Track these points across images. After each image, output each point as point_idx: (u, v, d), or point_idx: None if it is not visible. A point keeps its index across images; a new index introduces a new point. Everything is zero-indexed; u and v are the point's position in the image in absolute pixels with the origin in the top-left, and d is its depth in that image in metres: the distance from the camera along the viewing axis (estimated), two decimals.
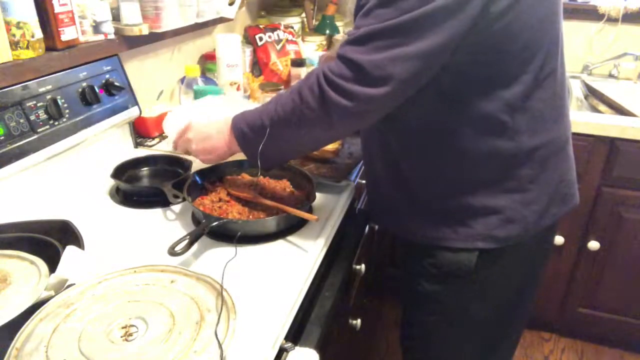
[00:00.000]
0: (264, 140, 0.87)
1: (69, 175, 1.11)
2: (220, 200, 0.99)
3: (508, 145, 0.87)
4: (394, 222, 1.06)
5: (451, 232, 0.94)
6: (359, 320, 1.19)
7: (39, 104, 0.99)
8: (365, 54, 0.76)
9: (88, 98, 1.10)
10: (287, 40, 1.86)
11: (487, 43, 0.79)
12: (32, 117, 0.98)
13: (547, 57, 0.85)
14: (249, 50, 1.81)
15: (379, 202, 1.09)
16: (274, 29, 1.88)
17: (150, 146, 1.33)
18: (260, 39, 1.84)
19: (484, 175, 0.90)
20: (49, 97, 1.01)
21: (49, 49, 1.00)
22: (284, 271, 0.84)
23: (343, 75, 0.78)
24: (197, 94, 1.40)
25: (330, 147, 1.23)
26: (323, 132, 0.87)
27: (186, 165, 1.14)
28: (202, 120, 0.99)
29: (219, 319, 0.63)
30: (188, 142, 0.99)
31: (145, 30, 1.20)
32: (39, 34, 0.96)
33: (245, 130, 0.89)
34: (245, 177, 1.07)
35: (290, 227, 0.95)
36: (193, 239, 0.83)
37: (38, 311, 0.64)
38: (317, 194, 1.00)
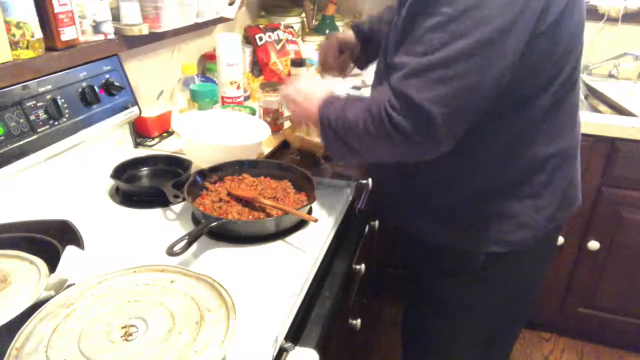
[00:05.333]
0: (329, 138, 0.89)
1: (69, 175, 1.11)
2: (220, 200, 0.98)
3: (526, 153, 0.88)
4: (403, 221, 1.06)
5: (464, 236, 0.95)
6: (359, 320, 1.19)
7: (38, 104, 0.99)
8: (423, 90, 0.74)
9: (88, 98, 1.10)
10: (287, 40, 1.86)
11: (529, 58, 0.77)
12: (32, 117, 0.98)
13: (575, 66, 0.85)
14: (249, 50, 1.81)
15: (389, 200, 1.09)
16: (274, 29, 1.88)
17: (150, 146, 1.33)
18: (260, 38, 1.84)
19: (500, 183, 0.91)
20: (48, 97, 1.01)
21: (49, 49, 1.00)
22: (284, 271, 0.84)
23: (405, 116, 0.76)
24: (193, 94, 1.40)
25: None
26: (387, 158, 0.89)
27: (186, 165, 1.14)
28: (309, 83, 1.02)
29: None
30: (294, 85, 1.00)
31: (145, 30, 1.20)
32: (38, 34, 0.96)
33: (324, 121, 0.90)
34: (246, 177, 1.07)
35: (290, 227, 0.95)
36: (192, 239, 0.83)
37: (38, 311, 0.64)
38: (317, 194, 1.00)
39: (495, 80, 0.74)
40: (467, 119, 0.78)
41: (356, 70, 1.77)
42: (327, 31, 2.13)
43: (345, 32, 1.20)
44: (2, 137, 0.92)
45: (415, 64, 0.75)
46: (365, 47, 1.18)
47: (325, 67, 1.21)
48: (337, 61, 1.20)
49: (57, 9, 0.98)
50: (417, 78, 0.74)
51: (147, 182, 1.15)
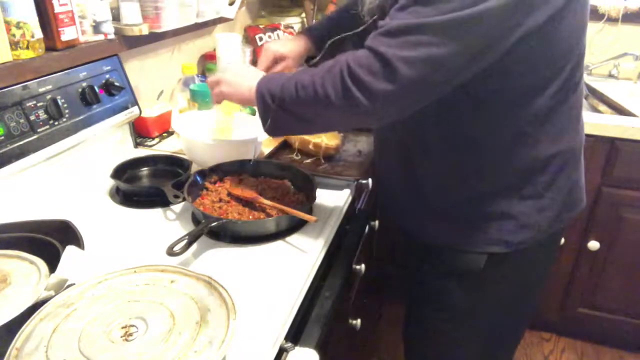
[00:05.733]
0: (272, 112, 0.86)
1: (69, 175, 1.11)
2: (220, 200, 0.99)
3: (528, 153, 0.87)
4: (404, 221, 1.06)
5: (465, 237, 0.95)
6: (359, 320, 1.19)
7: (39, 104, 0.99)
8: (396, 48, 0.73)
9: (88, 98, 1.10)
10: None
11: (524, 54, 0.77)
12: (32, 117, 0.98)
13: (576, 66, 0.84)
14: (249, 50, 1.81)
15: (391, 201, 1.09)
16: (274, 29, 1.88)
17: (150, 146, 1.33)
18: (260, 39, 1.84)
19: (501, 183, 0.90)
20: (49, 97, 1.01)
21: (49, 49, 1.00)
22: (284, 271, 0.84)
23: (370, 70, 0.74)
24: (193, 94, 1.40)
25: (332, 143, 1.24)
26: (339, 122, 0.87)
27: (186, 165, 1.14)
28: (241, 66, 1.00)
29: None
30: (222, 77, 0.98)
31: (145, 30, 1.20)
32: (39, 34, 0.96)
33: (266, 96, 0.87)
34: (246, 177, 1.07)
35: (290, 227, 0.95)
36: (192, 239, 0.83)
37: (38, 311, 0.64)
38: (317, 194, 1.00)
39: (468, 60, 0.74)
40: (429, 90, 0.77)
41: None
42: None
43: (283, 40, 1.17)
44: (2, 137, 0.92)
45: (394, 24, 0.74)
46: (320, 50, 1.16)
47: None
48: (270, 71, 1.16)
49: (57, 9, 0.98)
50: (393, 37, 0.74)
51: (147, 182, 1.15)
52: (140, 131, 1.35)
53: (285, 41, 1.16)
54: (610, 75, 2.10)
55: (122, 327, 0.62)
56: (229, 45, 1.37)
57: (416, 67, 0.73)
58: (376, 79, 0.74)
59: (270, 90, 0.86)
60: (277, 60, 1.14)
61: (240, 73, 0.97)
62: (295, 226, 0.96)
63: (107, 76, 1.17)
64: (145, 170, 1.17)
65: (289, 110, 0.84)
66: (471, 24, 0.70)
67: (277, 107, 0.84)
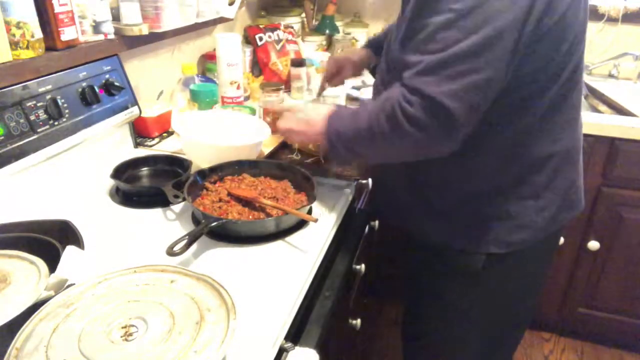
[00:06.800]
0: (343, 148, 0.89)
1: (69, 175, 1.11)
2: (220, 200, 0.99)
3: (526, 153, 0.88)
4: (404, 221, 1.06)
5: (464, 237, 0.95)
6: (359, 320, 1.19)
7: (39, 104, 0.99)
8: (435, 85, 0.74)
9: (88, 98, 1.10)
10: (287, 40, 1.86)
11: (531, 57, 0.78)
12: (32, 117, 0.98)
13: (576, 65, 0.85)
14: (249, 50, 1.81)
15: (390, 202, 1.09)
16: (274, 28, 1.88)
17: (150, 146, 1.33)
18: (260, 38, 1.84)
19: (499, 183, 0.91)
20: (48, 97, 1.01)
21: (49, 49, 1.00)
22: (284, 271, 0.84)
23: (418, 110, 0.76)
24: (193, 94, 1.40)
25: None
26: (400, 155, 0.88)
27: (186, 165, 1.14)
28: (309, 107, 1.02)
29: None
30: (293, 117, 1.00)
31: (145, 30, 1.20)
32: (39, 34, 0.96)
33: (333, 137, 0.89)
34: (246, 177, 1.07)
35: (290, 227, 0.95)
36: (192, 239, 0.83)
37: (38, 311, 0.64)
38: (317, 194, 1.00)
39: (504, 74, 0.75)
40: (480, 111, 0.78)
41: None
42: (327, 31, 2.14)
43: (346, 52, 1.31)
44: (2, 137, 0.92)
45: (429, 61, 0.75)
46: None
47: (325, 84, 1.35)
48: (333, 79, 1.32)
49: (57, 9, 0.98)
50: (432, 75, 0.75)
51: (147, 182, 1.15)
52: (140, 131, 1.35)
53: (348, 53, 1.33)
54: (610, 75, 2.10)
55: (122, 327, 0.62)
56: (229, 45, 1.37)
57: (461, 99, 0.74)
58: (429, 115, 0.76)
59: (337, 129, 0.89)
60: (339, 68, 1.29)
61: (309, 119, 0.96)
62: (295, 226, 0.96)
63: (107, 76, 1.17)
64: (145, 170, 1.17)
65: (351, 149, 0.88)
66: (496, 39, 0.71)
67: (343, 145, 0.88)
